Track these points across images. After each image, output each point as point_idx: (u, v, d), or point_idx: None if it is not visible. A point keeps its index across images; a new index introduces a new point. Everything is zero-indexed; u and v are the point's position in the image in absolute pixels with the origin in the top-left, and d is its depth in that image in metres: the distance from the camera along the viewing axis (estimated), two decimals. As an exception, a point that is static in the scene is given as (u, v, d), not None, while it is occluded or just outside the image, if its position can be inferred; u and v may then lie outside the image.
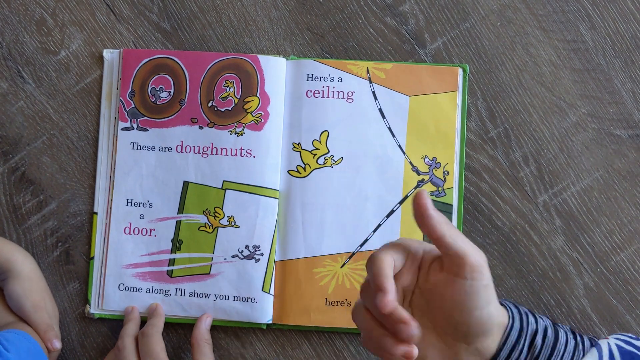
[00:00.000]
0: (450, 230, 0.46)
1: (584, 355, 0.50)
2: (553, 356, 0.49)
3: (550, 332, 0.50)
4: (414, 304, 0.50)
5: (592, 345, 0.51)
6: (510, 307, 0.51)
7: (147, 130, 0.70)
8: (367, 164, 0.69)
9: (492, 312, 0.48)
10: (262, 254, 0.68)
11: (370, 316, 0.48)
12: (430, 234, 0.46)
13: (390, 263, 0.46)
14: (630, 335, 0.54)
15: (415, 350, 0.45)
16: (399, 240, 0.49)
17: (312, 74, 0.70)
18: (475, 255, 0.46)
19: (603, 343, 0.51)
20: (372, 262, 0.46)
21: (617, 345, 0.51)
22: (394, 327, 0.45)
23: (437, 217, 0.46)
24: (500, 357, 0.49)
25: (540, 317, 0.52)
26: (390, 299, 0.44)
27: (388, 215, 0.69)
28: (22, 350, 0.60)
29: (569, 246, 0.69)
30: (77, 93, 0.71)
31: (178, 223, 0.69)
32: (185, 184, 0.69)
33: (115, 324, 0.70)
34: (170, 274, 0.69)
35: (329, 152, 0.69)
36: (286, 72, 0.70)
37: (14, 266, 0.65)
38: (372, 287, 0.46)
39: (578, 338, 0.51)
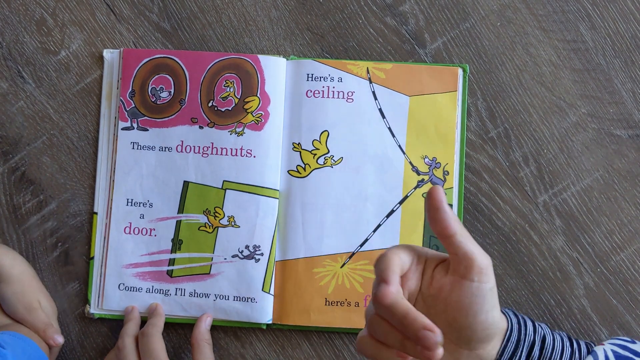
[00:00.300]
0: (462, 230, 0.46)
1: None
2: None
3: (548, 340, 0.50)
4: None
5: (588, 353, 0.51)
6: (508, 314, 0.51)
7: (147, 130, 0.70)
8: (367, 164, 0.69)
9: (496, 317, 0.48)
10: (262, 254, 0.68)
11: (386, 323, 0.45)
12: (442, 230, 0.45)
13: (397, 262, 0.45)
14: (625, 338, 0.54)
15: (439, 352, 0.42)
16: (404, 244, 0.49)
17: (312, 74, 0.70)
18: (482, 258, 0.46)
19: (599, 350, 0.51)
20: (380, 260, 0.46)
21: (612, 351, 0.51)
22: (416, 336, 0.42)
23: (451, 214, 0.45)
24: None
25: (538, 324, 0.52)
26: (392, 290, 0.43)
27: (388, 215, 0.69)
28: (17, 350, 0.60)
29: (569, 246, 0.69)
30: (77, 93, 0.71)
31: (178, 223, 0.69)
32: (186, 183, 0.69)
33: (115, 324, 0.70)
34: (170, 273, 0.69)
35: (329, 152, 0.69)
36: (286, 72, 0.70)
37: (2, 270, 0.65)
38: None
39: (575, 345, 0.51)
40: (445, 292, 0.47)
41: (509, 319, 0.50)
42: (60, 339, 0.65)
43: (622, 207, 0.69)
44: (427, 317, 0.47)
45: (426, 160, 0.69)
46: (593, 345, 0.52)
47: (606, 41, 0.70)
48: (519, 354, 0.49)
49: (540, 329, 0.51)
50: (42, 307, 0.66)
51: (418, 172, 0.69)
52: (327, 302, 0.68)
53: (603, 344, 0.52)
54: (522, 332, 0.50)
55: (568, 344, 0.51)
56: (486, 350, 0.48)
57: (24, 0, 0.71)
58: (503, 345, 0.49)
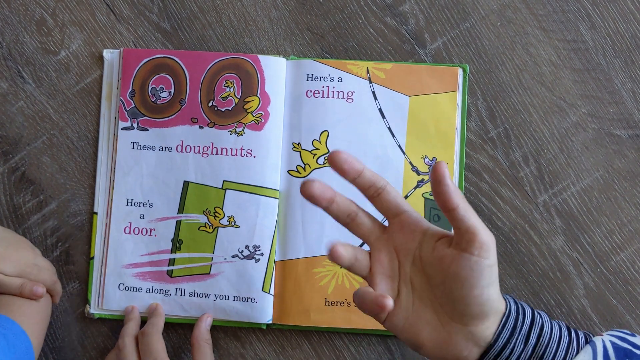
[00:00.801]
0: (465, 204, 0.47)
1: (577, 352, 0.50)
2: (546, 353, 0.49)
3: (546, 328, 0.50)
4: (414, 280, 0.51)
5: (586, 342, 0.51)
6: (508, 300, 0.51)
7: (147, 130, 0.70)
8: (367, 164, 0.68)
9: (492, 295, 0.48)
10: (262, 254, 0.68)
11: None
12: (445, 203, 0.47)
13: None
14: (624, 331, 0.54)
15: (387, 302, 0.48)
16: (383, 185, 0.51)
17: (312, 74, 0.70)
18: (485, 234, 0.47)
19: (597, 340, 0.51)
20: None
21: (611, 342, 0.51)
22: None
23: (453, 188, 0.47)
24: (494, 349, 0.49)
25: (537, 312, 0.52)
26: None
27: (388, 215, 0.69)
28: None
29: (569, 246, 0.69)
30: (77, 93, 0.71)
31: (178, 223, 0.69)
32: (186, 183, 0.69)
33: (115, 324, 0.70)
34: (170, 273, 0.69)
35: (328, 152, 0.69)
36: (286, 72, 0.70)
37: None
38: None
39: (573, 334, 0.51)
40: (445, 263, 0.48)
41: (507, 304, 0.51)
42: (39, 290, 0.63)
43: (622, 207, 0.69)
44: (427, 287, 0.50)
45: (426, 160, 0.69)
46: (591, 335, 0.52)
47: (606, 41, 0.70)
48: (514, 340, 0.49)
49: (539, 316, 0.51)
50: (7, 272, 0.63)
51: (418, 172, 0.69)
52: (327, 302, 0.68)
53: (602, 335, 0.52)
54: (520, 318, 0.50)
55: (566, 332, 0.51)
56: (479, 328, 0.49)
57: (24, 0, 0.71)
58: (499, 329, 0.49)
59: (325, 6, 0.71)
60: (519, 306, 0.51)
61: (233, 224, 0.69)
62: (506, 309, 0.50)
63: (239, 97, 0.69)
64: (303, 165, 0.69)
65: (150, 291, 0.69)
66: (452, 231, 0.49)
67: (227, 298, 0.68)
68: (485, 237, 0.47)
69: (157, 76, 0.70)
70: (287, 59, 0.70)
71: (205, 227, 0.69)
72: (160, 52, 0.70)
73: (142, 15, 0.71)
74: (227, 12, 0.71)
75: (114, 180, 0.70)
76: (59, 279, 0.69)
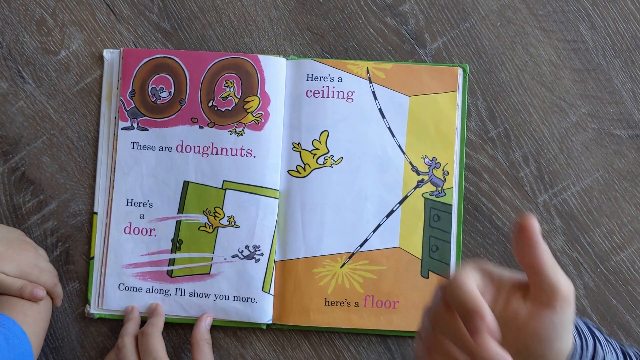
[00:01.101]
0: (551, 261, 0.43)
1: None
2: None
3: None
4: None
5: None
6: (574, 336, 0.47)
7: (147, 130, 0.70)
8: (367, 164, 0.69)
9: (569, 343, 0.45)
10: (262, 254, 0.68)
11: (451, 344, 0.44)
12: (533, 264, 0.42)
13: (476, 289, 0.42)
14: None
15: None
16: (472, 265, 0.45)
17: (312, 74, 0.70)
18: (566, 284, 0.43)
19: None
20: (458, 289, 0.42)
21: None
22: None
23: (544, 248, 0.42)
24: None
25: (598, 341, 0.49)
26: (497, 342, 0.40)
27: (388, 215, 0.69)
28: None
29: (569, 246, 0.69)
30: (77, 93, 0.71)
31: (178, 223, 0.69)
32: (186, 183, 0.69)
33: (115, 324, 0.70)
34: (170, 273, 0.69)
35: (328, 152, 0.69)
36: (286, 72, 0.70)
37: None
38: (461, 316, 0.42)
39: None
40: (522, 319, 0.44)
41: (574, 342, 0.46)
42: (39, 293, 0.63)
43: (622, 207, 0.69)
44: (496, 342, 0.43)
45: (426, 160, 0.69)
46: None
47: (606, 41, 0.70)
48: None
49: (600, 349, 0.48)
50: (8, 272, 0.63)
51: (418, 172, 0.69)
52: (327, 302, 0.68)
53: None
54: (583, 355, 0.47)
55: None
56: None
57: (24, 0, 0.71)
58: None
59: (325, 6, 0.71)
60: (583, 340, 0.48)
61: (233, 224, 0.69)
62: (573, 348, 0.46)
63: (239, 97, 0.69)
64: (303, 165, 0.69)
65: (150, 291, 0.69)
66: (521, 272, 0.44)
67: (227, 298, 0.68)
68: (567, 288, 0.42)
69: (157, 76, 0.70)
70: (287, 59, 0.70)
71: (205, 227, 0.69)
72: (160, 52, 0.70)
73: (142, 15, 0.72)
74: (227, 12, 0.71)
75: (114, 180, 0.70)
76: (60, 278, 0.69)
